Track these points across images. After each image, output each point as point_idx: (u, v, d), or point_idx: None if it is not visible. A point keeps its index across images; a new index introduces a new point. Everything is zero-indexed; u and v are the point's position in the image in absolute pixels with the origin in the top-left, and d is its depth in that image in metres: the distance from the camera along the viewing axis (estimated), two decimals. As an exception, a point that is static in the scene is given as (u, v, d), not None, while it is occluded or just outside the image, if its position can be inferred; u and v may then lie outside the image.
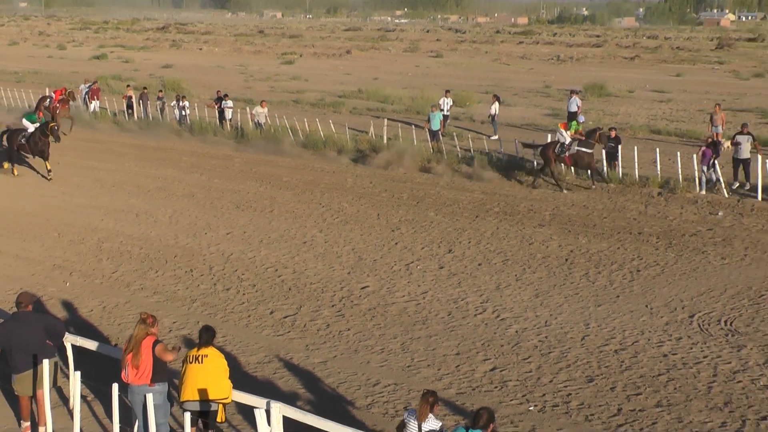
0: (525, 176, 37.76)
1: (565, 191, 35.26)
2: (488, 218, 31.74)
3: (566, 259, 26.84)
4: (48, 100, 48.46)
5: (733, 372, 18.71)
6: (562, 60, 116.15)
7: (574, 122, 37.83)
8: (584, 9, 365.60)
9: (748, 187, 35.43)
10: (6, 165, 39.99)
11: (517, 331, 21.01)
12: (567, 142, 35.87)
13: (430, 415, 12.41)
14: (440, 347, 20.07)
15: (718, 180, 35.15)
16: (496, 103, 50.49)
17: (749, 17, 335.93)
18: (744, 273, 25.51)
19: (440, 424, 12.50)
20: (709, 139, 37.71)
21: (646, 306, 22.70)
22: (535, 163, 38.08)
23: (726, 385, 18.08)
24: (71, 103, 52.19)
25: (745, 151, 36.15)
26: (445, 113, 49.22)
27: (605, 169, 38.49)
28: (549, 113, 59.14)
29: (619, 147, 39.02)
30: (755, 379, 18.32)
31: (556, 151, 35.99)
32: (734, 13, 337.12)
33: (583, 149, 35.37)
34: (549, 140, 40.43)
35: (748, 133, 36.98)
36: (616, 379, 18.42)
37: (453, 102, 52.52)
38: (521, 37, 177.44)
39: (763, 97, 69.68)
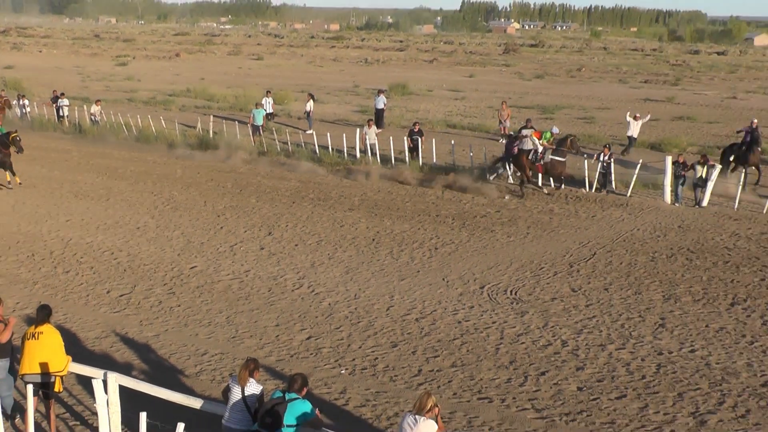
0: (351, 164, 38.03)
1: (547, 192, 33.81)
2: (304, 204, 31.76)
3: (373, 239, 27.05)
4: None
5: (517, 335, 19.18)
6: (369, 62, 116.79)
7: (547, 132, 35.86)
8: (389, 17, 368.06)
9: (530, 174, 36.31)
10: None
11: (330, 304, 21.12)
12: (540, 150, 33.90)
13: (251, 380, 12.35)
14: (261, 320, 20.05)
15: (504, 170, 36.01)
16: (311, 101, 50.81)
17: (531, 26, 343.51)
18: (526, 249, 26.14)
19: (261, 388, 12.46)
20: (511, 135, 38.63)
21: (443, 279, 23.05)
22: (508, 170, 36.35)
23: (511, 346, 18.52)
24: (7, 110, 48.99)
25: (528, 143, 36.97)
26: (269, 111, 49.13)
27: (408, 160, 39.00)
28: (358, 110, 59.54)
29: (421, 139, 39.63)
30: (536, 341, 18.83)
31: (530, 158, 33.95)
32: (519, 22, 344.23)
33: (557, 158, 33.67)
34: (359, 135, 40.77)
35: (532, 127, 37.90)
36: (417, 343, 18.68)
37: (273, 101, 52.40)
38: (333, 42, 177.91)
39: (543, 96, 71.52)
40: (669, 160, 33.37)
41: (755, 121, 37.40)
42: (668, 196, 32.46)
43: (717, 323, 20.13)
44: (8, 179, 34.26)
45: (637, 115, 44.19)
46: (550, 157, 33.30)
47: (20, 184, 34.24)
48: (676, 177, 32.54)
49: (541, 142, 33.91)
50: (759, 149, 35.87)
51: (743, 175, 34.42)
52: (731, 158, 35.73)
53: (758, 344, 18.89)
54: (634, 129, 42.26)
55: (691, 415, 15.56)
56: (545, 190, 33.98)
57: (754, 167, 35.14)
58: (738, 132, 37.33)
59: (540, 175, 34.63)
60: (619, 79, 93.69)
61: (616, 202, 32.20)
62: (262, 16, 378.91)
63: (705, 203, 32.04)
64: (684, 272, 24.10)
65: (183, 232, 27.81)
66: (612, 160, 34.48)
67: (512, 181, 35.20)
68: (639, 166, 34.70)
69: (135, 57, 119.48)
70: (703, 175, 32.35)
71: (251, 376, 12.42)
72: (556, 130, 36.41)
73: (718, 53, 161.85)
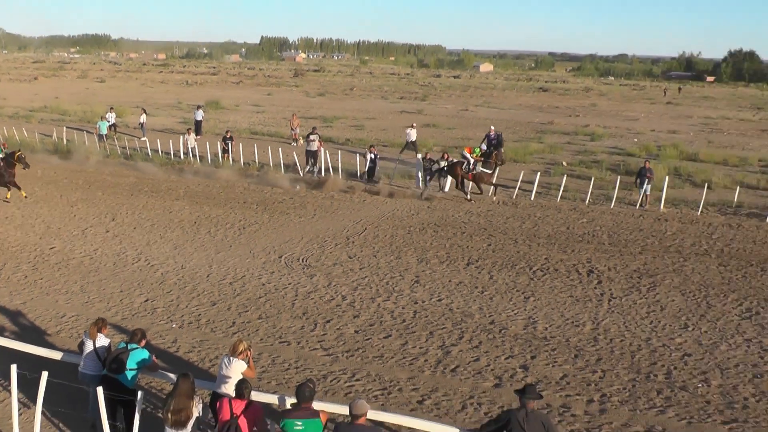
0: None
1: (469, 199, 31.12)
2: (140, 195, 30.89)
3: (195, 222, 26.56)
4: None
5: (308, 292, 19.21)
6: (189, 84, 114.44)
7: (477, 148, 33.28)
8: (204, 48, 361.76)
9: (316, 169, 36.42)
10: None
11: (162, 274, 20.65)
12: (472, 163, 31.60)
13: (100, 335, 12.07)
14: (108, 287, 19.43)
15: (312, 168, 36.04)
16: (144, 114, 49.75)
17: (315, 56, 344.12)
18: (314, 226, 26.19)
19: (108, 341, 12.19)
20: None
21: (250, 251, 22.86)
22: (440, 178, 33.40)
23: (304, 301, 18.56)
24: None
25: (314, 145, 37.21)
26: (111, 123, 47.58)
27: (221, 160, 38.57)
28: (181, 121, 58.18)
29: (231, 144, 39.31)
30: (322, 296, 18.93)
31: (463, 168, 31.94)
32: (305, 53, 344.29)
33: (485, 170, 31.47)
34: (182, 140, 40.10)
35: (316, 133, 38.05)
36: (231, 302, 18.49)
37: (116, 114, 50.78)
38: (161, 68, 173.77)
39: (324, 109, 71.86)
40: (420, 156, 34.10)
41: (493, 128, 38.42)
42: (420, 184, 33.12)
43: (457, 278, 20.72)
44: (8, 195, 29.35)
45: (414, 124, 45.44)
46: (480, 169, 31.48)
47: (26, 197, 29.50)
48: (426, 169, 33.26)
49: (473, 156, 31.89)
50: (503, 150, 36.67)
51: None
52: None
53: (487, 293, 19.55)
54: (411, 135, 43.10)
55: (440, 348, 15.96)
56: (468, 197, 31.50)
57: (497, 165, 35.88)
58: (482, 141, 38.03)
59: (466, 183, 32.26)
60: (382, 96, 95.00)
61: (383, 189, 32.61)
62: (104, 47, 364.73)
63: (447, 189, 32.85)
64: (432, 241, 24.68)
65: (43, 220, 26.62)
66: (377, 156, 34.96)
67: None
68: (398, 161, 35.35)
69: (0, 80, 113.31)
70: (445, 168, 33.17)
71: (100, 332, 12.18)
72: (484, 146, 35.88)
73: (455, 77, 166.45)
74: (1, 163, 28.90)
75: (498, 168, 34.26)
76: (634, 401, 13.84)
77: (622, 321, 17.79)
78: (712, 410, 13.55)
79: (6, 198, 29.06)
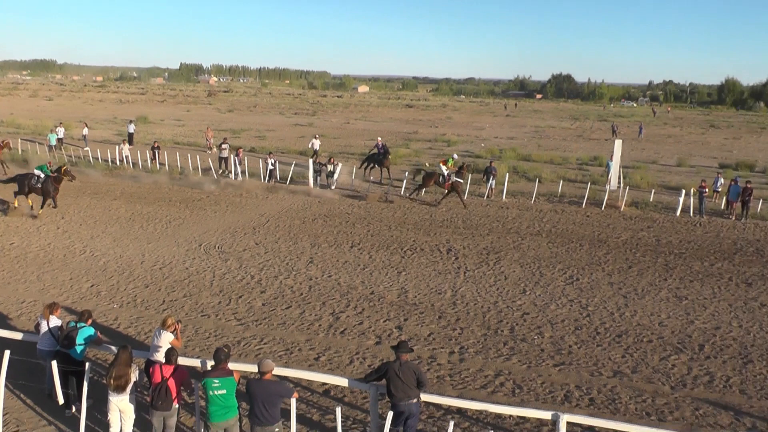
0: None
1: (416, 202, 29.77)
2: (84, 197, 29.66)
3: (130, 218, 25.74)
4: None
5: (223, 274, 18.97)
6: (123, 102, 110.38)
7: (450, 159, 31.51)
8: (134, 72, 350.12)
9: (227, 172, 35.83)
10: (15, 202, 26.68)
11: (104, 263, 19.96)
12: (447, 174, 29.57)
13: (53, 316, 11.82)
14: (60, 276, 18.68)
15: (235, 172, 35.18)
16: (86, 127, 48.18)
17: (224, 79, 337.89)
18: (226, 219, 25.80)
19: (60, 321, 11.93)
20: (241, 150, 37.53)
21: (175, 242, 22.36)
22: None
23: (220, 281, 18.33)
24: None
25: (225, 153, 36.66)
26: (60, 137, 45.61)
27: (150, 166, 37.54)
28: (117, 133, 56.09)
29: (158, 152, 38.36)
30: (235, 276, 18.70)
31: (438, 180, 29.69)
32: (216, 77, 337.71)
33: (458, 179, 29.62)
34: (118, 150, 38.73)
35: (227, 143, 37.51)
36: (161, 284, 18.08)
37: (65, 129, 48.70)
38: (99, 89, 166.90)
39: (233, 122, 70.88)
40: (311, 161, 33.98)
41: (380, 138, 38.42)
42: (311, 183, 33.01)
43: (344, 259, 20.80)
44: (54, 205, 26.51)
45: (317, 135, 44.91)
46: (454, 178, 29.71)
47: (36, 216, 25.59)
48: (316, 171, 33.17)
49: (447, 165, 30.30)
50: (390, 157, 36.46)
51: (382, 173, 35.39)
52: (371, 163, 36.20)
53: (367, 269, 19.70)
54: (315, 144, 42.63)
55: (331, 315, 16.03)
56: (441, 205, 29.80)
57: (386, 168, 35.73)
58: (371, 150, 37.92)
59: (446, 191, 30.34)
60: (279, 112, 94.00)
61: (282, 188, 32.34)
62: (51, 70, 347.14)
63: (333, 187, 32.84)
64: (323, 229, 24.67)
65: (3, 220, 25.27)
66: (276, 161, 34.67)
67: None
68: (293, 164, 35.10)
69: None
70: (331, 170, 33.16)
71: (53, 314, 11.94)
72: (456, 156, 34.89)
73: (338, 96, 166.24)
74: (51, 179, 26.07)
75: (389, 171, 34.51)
76: (486, 351, 14.23)
77: (475, 288, 18.23)
78: (545, 356, 14.06)
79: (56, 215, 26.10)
